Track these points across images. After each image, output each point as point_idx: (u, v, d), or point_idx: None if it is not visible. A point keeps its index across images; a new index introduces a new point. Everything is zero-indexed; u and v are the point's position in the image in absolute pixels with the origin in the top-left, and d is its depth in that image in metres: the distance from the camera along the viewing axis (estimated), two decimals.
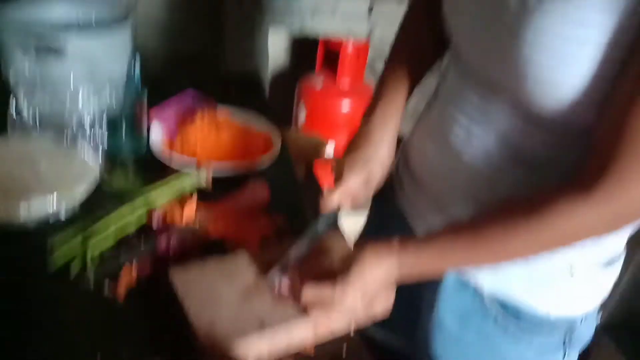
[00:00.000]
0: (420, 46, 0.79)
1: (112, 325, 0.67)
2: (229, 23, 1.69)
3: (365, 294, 0.63)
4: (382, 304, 0.66)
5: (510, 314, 0.68)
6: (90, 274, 0.72)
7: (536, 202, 0.56)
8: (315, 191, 1.53)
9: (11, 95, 0.90)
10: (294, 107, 2.07)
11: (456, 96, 0.68)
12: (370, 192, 0.75)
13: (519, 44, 0.53)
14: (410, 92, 0.79)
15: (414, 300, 0.77)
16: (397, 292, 0.67)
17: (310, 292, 0.63)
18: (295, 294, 0.67)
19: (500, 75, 0.59)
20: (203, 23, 1.90)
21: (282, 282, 0.68)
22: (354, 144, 0.75)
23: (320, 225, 0.72)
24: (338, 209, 0.73)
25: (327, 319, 0.66)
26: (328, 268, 0.69)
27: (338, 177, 0.73)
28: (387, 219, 0.82)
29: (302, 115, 2.03)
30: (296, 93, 2.05)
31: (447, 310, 0.72)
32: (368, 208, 0.93)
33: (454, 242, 0.60)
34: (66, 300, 0.70)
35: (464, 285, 0.70)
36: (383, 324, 0.74)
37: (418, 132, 0.77)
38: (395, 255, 0.62)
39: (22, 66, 0.92)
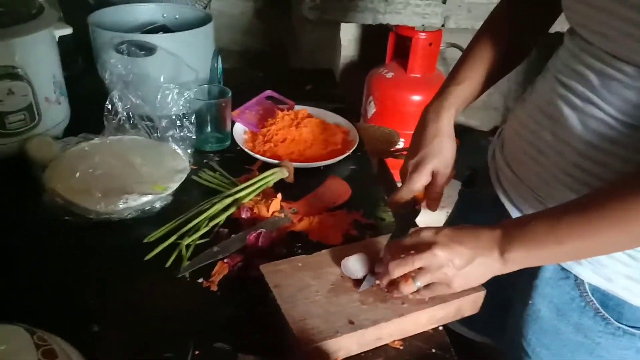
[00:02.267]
0: (497, 51, 0.77)
1: (207, 313, 0.70)
2: (299, 22, 1.70)
3: (457, 266, 0.60)
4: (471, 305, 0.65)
5: (611, 309, 0.65)
6: (185, 264, 0.75)
7: None
8: (388, 183, 1.53)
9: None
10: (364, 99, 2.07)
11: (568, 75, 0.65)
12: (441, 187, 0.76)
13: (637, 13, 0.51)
14: (486, 84, 0.78)
15: (505, 290, 0.75)
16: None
17: (396, 264, 0.62)
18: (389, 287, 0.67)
19: (621, 47, 0.56)
20: (274, 20, 1.93)
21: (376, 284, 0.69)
22: (416, 140, 0.76)
23: (399, 229, 0.74)
24: (414, 208, 0.74)
25: (406, 280, 0.64)
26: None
27: (404, 178, 0.76)
28: (479, 205, 0.81)
29: (371, 107, 2.02)
30: (365, 85, 2.04)
31: (544, 301, 0.70)
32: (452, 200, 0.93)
33: (577, 227, 0.55)
34: (163, 288, 0.74)
35: (564, 276, 0.67)
36: (470, 321, 0.74)
37: (519, 116, 0.74)
38: (504, 241, 0.58)
39: (115, 66, 0.97)
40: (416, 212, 0.76)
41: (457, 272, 0.60)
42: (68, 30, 1.01)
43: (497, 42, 0.77)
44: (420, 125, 0.78)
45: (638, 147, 0.58)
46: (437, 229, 0.62)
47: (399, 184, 1.17)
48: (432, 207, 0.77)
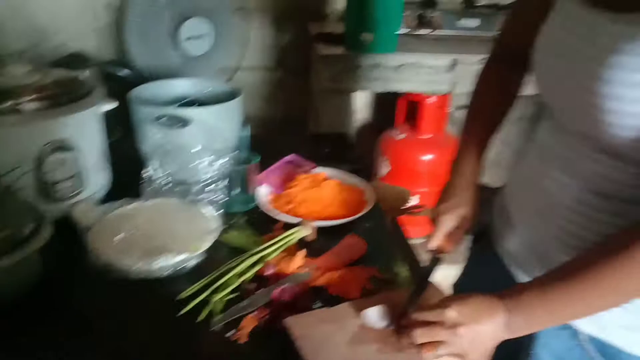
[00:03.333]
0: (496, 99, 0.90)
1: None
2: (317, 91, 1.83)
3: (474, 341, 0.66)
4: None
5: (610, 357, 0.70)
6: (217, 318, 0.82)
7: (622, 241, 0.60)
8: (401, 240, 1.59)
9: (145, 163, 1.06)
10: (376, 160, 2.16)
11: (546, 148, 0.75)
12: (463, 233, 0.85)
13: (593, 96, 0.60)
14: (490, 136, 0.90)
15: (508, 341, 0.80)
16: None
17: (416, 314, 0.69)
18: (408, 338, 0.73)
19: (586, 125, 0.65)
20: (294, 89, 2.08)
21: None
22: (446, 193, 0.87)
23: (425, 270, 0.83)
24: (440, 252, 0.84)
25: (429, 348, 0.69)
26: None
27: (435, 223, 0.85)
28: (485, 266, 0.88)
29: (385, 167, 2.11)
30: (378, 146, 2.15)
31: (545, 352, 0.75)
32: (461, 256, 1.00)
33: (564, 294, 0.63)
34: (196, 341, 0.80)
35: (562, 326, 0.73)
36: None
37: (512, 181, 0.85)
38: (506, 313, 0.65)
39: (154, 137, 1.08)
40: (438, 260, 0.85)
41: (473, 346, 0.67)
42: (113, 105, 1.13)
43: (490, 97, 0.91)
44: (449, 182, 0.88)
45: (615, 212, 0.66)
46: (460, 307, 0.67)
47: (410, 240, 1.24)
48: (450, 248, 0.85)
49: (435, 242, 0.84)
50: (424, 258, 0.90)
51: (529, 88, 0.94)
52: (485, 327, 0.65)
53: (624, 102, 0.58)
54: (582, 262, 0.63)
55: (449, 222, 0.84)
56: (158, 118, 1.08)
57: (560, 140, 0.72)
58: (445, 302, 0.67)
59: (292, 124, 2.15)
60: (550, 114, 0.75)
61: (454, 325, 0.65)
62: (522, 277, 0.78)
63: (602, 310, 0.65)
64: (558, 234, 0.71)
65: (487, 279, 0.88)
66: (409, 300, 0.79)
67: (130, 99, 1.17)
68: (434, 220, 0.86)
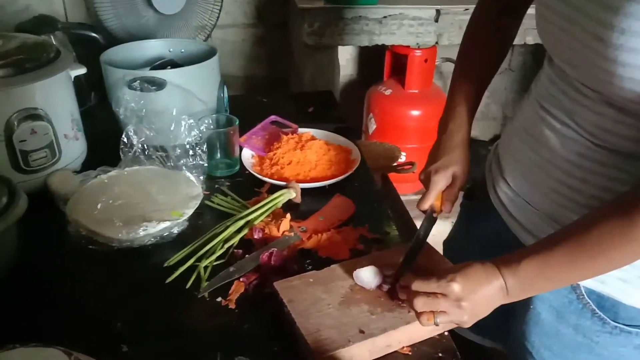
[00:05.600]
0: (487, 52, 0.86)
1: (227, 330, 0.75)
2: (299, 47, 1.77)
3: (473, 310, 0.65)
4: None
5: (607, 309, 0.70)
6: (204, 285, 0.80)
7: (628, 204, 0.57)
8: (392, 198, 1.57)
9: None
10: (364, 116, 2.13)
11: (547, 99, 0.71)
12: (457, 192, 0.83)
13: (605, 46, 0.56)
14: (479, 96, 0.87)
15: None
16: None
17: (418, 284, 0.67)
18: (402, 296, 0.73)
19: (590, 77, 0.62)
20: (275, 46, 2.01)
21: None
22: (435, 153, 0.85)
23: (423, 227, 0.81)
24: (434, 211, 0.82)
25: (428, 317, 0.68)
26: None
27: (426, 183, 0.82)
28: (479, 216, 0.86)
29: (372, 124, 2.08)
30: (365, 102, 2.10)
31: (544, 305, 0.74)
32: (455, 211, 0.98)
33: (564, 262, 0.61)
34: (184, 308, 0.79)
35: None
36: (476, 326, 0.78)
37: (509, 133, 0.82)
38: (504, 281, 0.64)
39: (129, 102, 1.04)
40: (434, 220, 0.83)
41: (472, 316, 0.66)
42: (82, 70, 1.08)
43: (480, 51, 0.87)
44: (438, 141, 0.86)
45: (616, 166, 0.63)
46: (463, 280, 0.65)
47: (403, 197, 1.21)
48: (448, 208, 0.83)
49: (428, 202, 0.81)
50: (415, 214, 0.89)
51: (518, 36, 0.91)
52: (485, 297, 0.64)
53: (638, 54, 0.54)
54: (583, 227, 0.61)
55: (440, 181, 0.81)
56: (131, 82, 1.03)
57: (563, 91, 0.68)
58: (449, 275, 0.65)
59: (275, 83, 2.09)
60: (552, 63, 0.71)
61: (457, 299, 0.64)
62: (518, 230, 0.77)
63: (603, 273, 0.64)
64: (557, 187, 0.69)
65: (479, 235, 0.87)
66: (404, 262, 0.77)
67: (102, 62, 1.12)
68: (424, 181, 0.84)
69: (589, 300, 0.70)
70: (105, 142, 1.05)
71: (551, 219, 0.71)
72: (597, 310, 0.70)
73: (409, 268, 0.76)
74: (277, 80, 2.08)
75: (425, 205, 0.81)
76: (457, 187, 0.83)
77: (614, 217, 0.58)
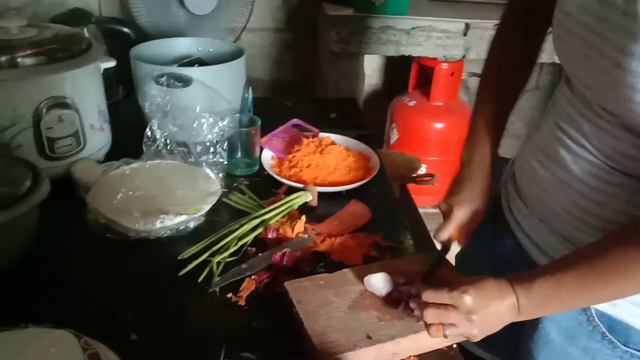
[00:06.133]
0: (511, 70, 0.85)
1: (234, 326, 0.75)
2: (326, 54, 1.78)
3: (484, 325, 0.64)
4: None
5: (618, 333, 0.68)
6: (216, 280, 0.81)
7: None
8: (409, 208, 1.57)
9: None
10: (387, 126, 2.12)
11: (564, 120, 0.70)
12: (475, 227, 0.83)
13: (624, 73, 0.55)
14: (505, 118, 0.85)
15: None
16: None
17: (429, 294, 0.66)
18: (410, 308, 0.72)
19: (608, 102, 0.61)
20: (302, 52, 2.02)
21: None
22: (458, 184, 0.84)
23: (435, 260, 0.80)
24: (449, 242, 0.82)
25: (437, 329, 0.67)
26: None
27: (447, 215, 0.82)
28: (493, 233, 0.85)
29: (394, 134, 2.07)
30: (389, 112, 2.10)
31: (553, 326, 0.73)
32: None
33: (577, 286, 0.60)
34: (195, 302, 0.79)
35: None
36: (485, 342, 0.77)
37: (526, 152, 0.80)
38: (517, 299, 0.62)
39: (155, 97, 1.06)
40: (448, 250, 0.83)
41: (482, 330, 0.65)
42: (112, 63, 1.10)
43: (505, 71, 0.85)
44: (461, 172, 0.85)
45: (633, 190, 0.62)
46: (476, 293, 0.64)
47: (420, 209, 1.20)
48: (464, 242, 0.84)
49: (447, 234, 0.81)
50: (432, 227, 0.88)
51: (546, 54, 0.89)
52: (496, 313, 0.63)
53: None
54: (598, 251, 0.60)
55: (461, 215, 0.81)
56: (158, 77, 1.05)
57: (580, 113, 0.67)
58: (462, 287, 0.64)
59: (299, 87, 2.10)
60: (570, 83, 0.70)
61: (468, 312, 0.63)
62: (531, 249, 0.76)
63: (616, 299, 0.63)
64: (571, 209, 0.68)
65: (492, 252, 0.86)
66: (422, 279, 0.77)
67: (131, 56, 1.14)
68: (445, 212, 0.83)
69: (599, 323, 0.69)
70: (129, 135, 1.07)
71: (566, 240, 0.70)
72: (608, 334, 0.68)
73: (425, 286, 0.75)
74: (302, 85, 2.09)
75: (444, 237, 0.81)
76: (477, 222, 0.82)
77: (630, 243, 0.57)
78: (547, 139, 0.73)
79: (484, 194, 0.82)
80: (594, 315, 0.69)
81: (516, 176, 0.81)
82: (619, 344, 0.68)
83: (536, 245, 0.74)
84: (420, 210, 1.57)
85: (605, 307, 0.68)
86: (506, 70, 0.85)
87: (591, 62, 0.60)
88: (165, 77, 1.06)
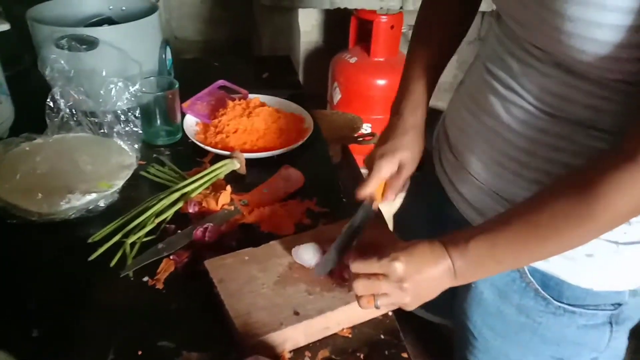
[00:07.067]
0: (449, 17, 0.78)
1: (151, 312, 0.69)
2: (258, 9, 1.67)
3: (418, 293, 0.60)
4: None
5: (551, 288, 0.66)
6: (129, 263, 0.74)
7: (585, 181, 0.52)
8: (352, 170, 1.52)
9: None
10: (329, 85, 2.05)
11: (493, 61, 0.65)
12: (404, 180, 0.76)
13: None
14: (440, 68, 0.79)
15: None
16: None
17: (358, 265, 0.61)
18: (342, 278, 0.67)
19: (537, 35, 0.56)
20: (237, 9, 1.90)
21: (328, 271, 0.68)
22: (384, 136, 0.77)
23: (358, 216, 0.72)
24: (373, 199, 0.73)
25: (368, 300, 0.62)
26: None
27: (370, 169, 0.74)
28: (426, 189, 0.80)
29: (337, 93, 2.00)
30: (330, 71, 2.02)
31: (486, 284, 0.70)
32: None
33: (515, 244, 0.56)
34: (107, 289, 0.72)
35: None
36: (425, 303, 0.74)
37: (456, 101, 0.75)
38: (452, 263, 0.58)
39: (56, 62, 0.94)
40: (371, 210, 0.74)
41: (416, 298, 0.61)
42: (5, 27, 0.97)
43: (441, 16, 0.78)
44: (389, 123, 0.78)
45: (562, 135, 0.58)
46: (407, 259, 0.59)
47: (362, 170, 1.14)
48: (391, 197, 0.77)
49: (367, 190, 0.72)
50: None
51: (486, 2, 0.82)
52: (430, 279, 0.59)
53: (588, 6, 0.48)
54: (534, 205, 0.55)
55: (384, 168, 0.72)
56: (58, 40, 0.94)
57: (510, 52, 0.62)
58: (392, 254, 0.59)
59: (237, 47, 1.99)
60: (500, 21, 0.65)
61: (399, 280, 0.59)
62: (463, 207, 0.72)
63: (556, 255, 0.59)
64: (500, 159, 0.64)
65: (426, 210, 0.82)
66: (337, 251, 0.69)
67: (27, 18, 1.01)
68: (368, 166, 0.76)
69: (532, 279, 0.66)
70: (35, 108, 0.95)
71: (497, 195, 0.66)
72: (541, 290, 0.66)
73: (340, 258, 0.69)
74: (239, 44, 1.98)
75: (365, 193, 0.72)
76: (404, 175, 0.74)
77: (568, 195, 0.52)
78: (477, 84, 0.68)
79: (411, 142, 0.74)
80: (527, 272, 0.66)
81: (446, 127, 0.76)
82: (552, 299, 0.66)
83: (468, 202, 0.70)
84: (364, 170, 1.53)
85: (538, 263, 0.65)
86: (442, 15, 0.78)
87: None
88: (66, 39, 0.94)
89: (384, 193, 0.75)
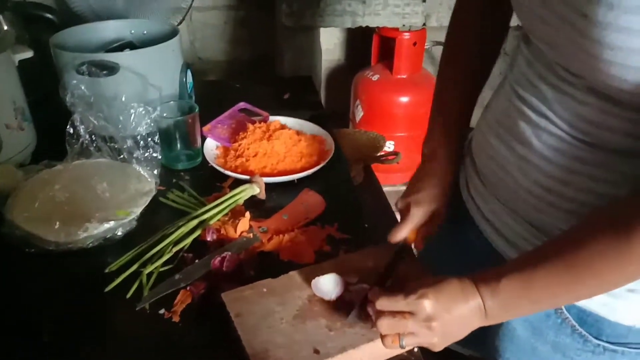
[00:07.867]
0: (479, 40, 0.74)
1: (167, 346, 0.66)
2: (280, 29, 1.67)
3: (446, 333, 0.57)
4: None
5: (589, 325, 0.61)
6: (147, 293, 0.72)
7: (624, 217, 0.48)
8: (374, 190, 1.48)
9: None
10: (351, 103, 2.03)
11: (523, 85, 0.61)
12: (434, 230, 0.75)
13: (588, 23, 0.45)
14: (474, 101, 0.76)
15: None
16: None
17: (383, 302, 0.58)
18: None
19: (571, 60, 0.52)
20: (260, 28, 1.90)
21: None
22: (418, 181, 0.75)
23: (389, 266, 0.70)
24: (407, 242, 0.73)
25: (393, 339, 0.59)
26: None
27: (404, 215, 0.73)
28: (453, 217, 0.77)
29: (359, 111, 1.98)
30: (352, 89, 2.00)
31: (519, 320, 0.66)
32: None
33: (550, 284, 0.53)
34: (123, 319, 0.70)
35: None
36: None
37: (483, 125, 0.71)
38: (482, 301, 0.55)
39: (76, 88, 0.94)
40: (404, 252, 0.73)
41: (444, 338, 0.57)
42: (28, 54, 0.98)
43: (472, 42, 0.74)
44: (422, 167, 0.77)
45: (599, 164, 0.54)
46: (435, 297, 0.56)
47: (389, 187, 1.09)
48: (420, 245, 0.75)
49: (402, 236, 0.72)
50: (396, 210, 0.79)
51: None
52: (460, 318, 0.56)
53: (631, 34, 0.43)
54: (571, 243, 0.51)
55: (420, 217, 0.72)
56: (79, 66, 0.94)
57: (541, 76, 0.58)
58: (419, 291, 0.56)
59: (259, 68, 1.98)
60: (529, 42, 0.61)
61: (427, 319, 0.56)
62: (494, 237, 0.68)
63: (594, 296, 0.55)
64: (532, 189, 0.60)
65: (452, 241, 0.78)
66: (376, 282, 0.67)
67: (51, 45, 1.02)
68: (402, 211, 0.75)
69: (568, 315, 0.62)
70: (56, 134, 0.95)
71: (530, 225, 0.62)
72: (578, 327, 0.61)
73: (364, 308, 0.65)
74: (262, 64, 1.97)
75: (399, 238, 0.72)
76: (436, 224, 0.74)
77: (607, 233, 0.48)
78: (505, 109, 0.64)
79: (445, 194, 0.74)
80: (562, 307, 0.62)
81: (473, 152, 0.73)
82: (590, 337, 0.61)
83: (498, 232, 0.66)
84: (387, 189, 1.49)
85: None
86: (473, 41, 0.74)
87: (550, 11, 0.50)
88: (86, 65, 0.94)
89: (415, 240, 0.74)
